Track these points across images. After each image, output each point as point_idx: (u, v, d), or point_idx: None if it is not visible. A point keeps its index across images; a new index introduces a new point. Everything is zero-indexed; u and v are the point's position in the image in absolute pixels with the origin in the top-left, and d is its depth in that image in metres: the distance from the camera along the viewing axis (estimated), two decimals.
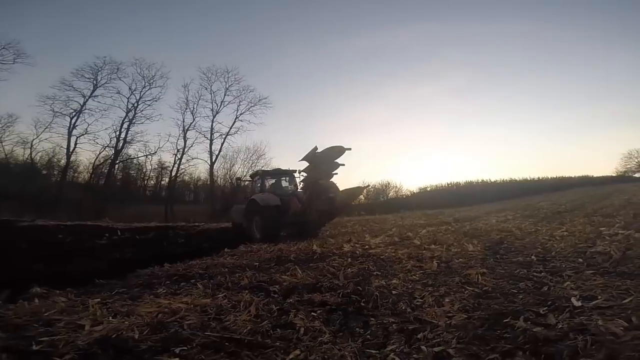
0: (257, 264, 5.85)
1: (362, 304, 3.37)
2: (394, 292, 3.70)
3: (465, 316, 2.86)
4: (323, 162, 8.50)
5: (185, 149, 30.88)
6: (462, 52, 59.19)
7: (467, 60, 60.71)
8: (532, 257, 5.21)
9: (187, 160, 31.49)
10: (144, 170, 34.44)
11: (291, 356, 2.22)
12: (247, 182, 12.37)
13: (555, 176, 38.64)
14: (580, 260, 4.59)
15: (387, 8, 57.33)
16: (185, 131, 31.06)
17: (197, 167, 36.87)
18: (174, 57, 52.07)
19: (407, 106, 62.30)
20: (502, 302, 3.19)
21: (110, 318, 2.92)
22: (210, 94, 32.84)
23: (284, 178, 11.28)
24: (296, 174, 10.82)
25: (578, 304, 2.83)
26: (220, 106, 32.81)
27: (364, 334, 2.61)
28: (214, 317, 3.06)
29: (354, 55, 60.61)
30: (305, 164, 8.94)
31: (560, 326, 2.41)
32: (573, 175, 39.20)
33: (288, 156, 58.17)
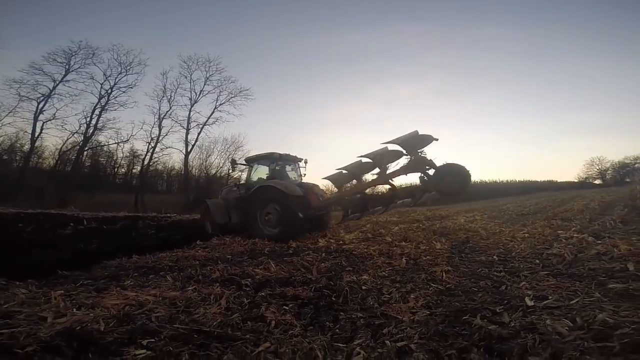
0: (229, 257, 5.84)
1: (333, 299, 3.47)
2: (363, 287, 3.83)
3: (428, 312, 3.02)
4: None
5: (160, 138, 29.97)
6: (445, 55, 60.57)
7: (449, 63, 62.15)
8: (494, 257, 5.52)
9: (161, 149, 30.53)
10: (115, 158, 33.02)
11: (261, 348, 2.27)
12: (243, 168, 10.18)
13: (522, 179, 40.67)
14: (537, 261, 4.90)
15: (375, 7, 57.68)
16: (160, 119, 30.10)
17: (172, 156, 35.99)
18: (155, 45, 50.02)
19: (390, 105, 63.17)
20: (463, 300, 3.38)
21: (74, 310, 2.85)
22: (190, 82, 31.93)
23: (291, 166, 9.72)
24: (302, 164, 9.74)
25: (531, 303, 3.04)
26: (199, 95, 31.98)
27: (334, 328, 2.71)
28: (183, 309, 3.06)
29: (339, 52, 60.69)
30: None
31: (512, 325, 2.59)
32: (539, 180, 41.38)
33: (267, 148, 57.47)
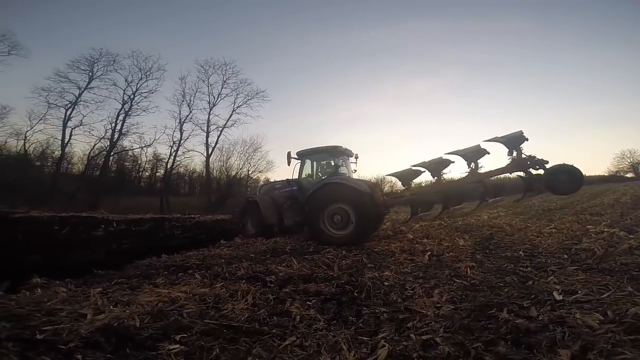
0: (253, 255, 5.98)
1: (355, 294, 3.51)
2: (385, 283, 3.85)
3: (453, 307, 3.01)
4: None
5: (181, 141, 30.92)
6: (456, 49, 59.24)
7: (461, 58, 60.74)
8: (520, 252, 5.39)
9: (183, 152, 31.54)
10: (139, 162, 34.29)
11: (287, 342, 2.34)
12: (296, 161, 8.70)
13: None
14: (565, 256, 4.76)
15: (385, 5, 57.14)
16: (181, 123, 31.08)
17: (193, 159, 36.87)
18: (172, 50, 51.79)
19: (403, 102, 62.53)
20: (488, 295, 3.34)
21: (112, 307, 3.02)
22: (207, 86, 32.83)
23: (347, 161, 8.78)
24: (352, 159, 8.89)
25: (559, 297, 2.98)
26: (217, 99, 32.77)
27: (357, 322, 2.75)
28: (212, 305, 3.19)
29: (351, 51, 60.64)
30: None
31: (540, 318, 2.56)
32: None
33: (284, 149, 58.00)
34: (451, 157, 6.90)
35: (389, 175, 7.93)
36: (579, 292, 3.09)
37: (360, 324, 2.70)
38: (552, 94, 61.15)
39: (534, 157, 6.34)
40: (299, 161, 8.63)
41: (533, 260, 4.82)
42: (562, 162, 6.06)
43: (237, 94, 33.05)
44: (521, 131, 6.28)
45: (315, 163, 8.64)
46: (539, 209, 12.37)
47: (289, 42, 57.79)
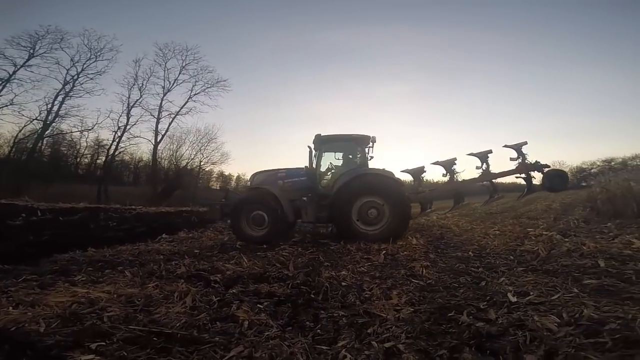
0: (197, 251, 5.50)
1: (312, 296, 3.26)
2: (343, 283, 3.65)
3: (412, 310, 2.87)
4: None
5: (128, 127, 28.28)
6: (425, 56, 61.66)
7: (428, 64, 63.34)
8: (470, 252, 5.54)
9: (128, 138, 28.85)
10: (78, 148, 30.85)
11: (232, 353, 2.00)
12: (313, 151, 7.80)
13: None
14: (512, 257, 4.94)
15: (359, 7, 57.64)
16: (129, 107, 28.41)
17: (140, 146, 34.18)
18: (134, 33, 47.22)
19: (369, 103, 63.63)
20: (445, 296, 3.28)
21: (11, 308, 2.46)
22: (164, 70, 30.13)
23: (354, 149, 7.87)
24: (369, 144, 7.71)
25: (514, 299, 2.97)
26: (173, 84, 30.26)
27: (315, 328, 2.48)
28: (141, 308, 2.76)
29: (321, 49, 60.11)
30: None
31: (500, 321, 2.49)
32: (505, 182, 43.58)
33: (242, 141, 56.46)
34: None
35: (403, 171, 7.66)
36: (531, 293, 3.11)
37: (318, 330, 2.43)
38: (511, 106, 65.74)
39: (539, 162, 7.27)
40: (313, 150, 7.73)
41: (482, 260, 4.94)
42: (554, 167, 7.50)
43: (196, 81, 30.81)
44: (526, 141, 7.38)
45: (337, 152, 7.87)
46: (482, 212, 13.18)
47: (258, 35, 55.88)
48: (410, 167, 7.64)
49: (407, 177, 7.84)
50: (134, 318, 2.48)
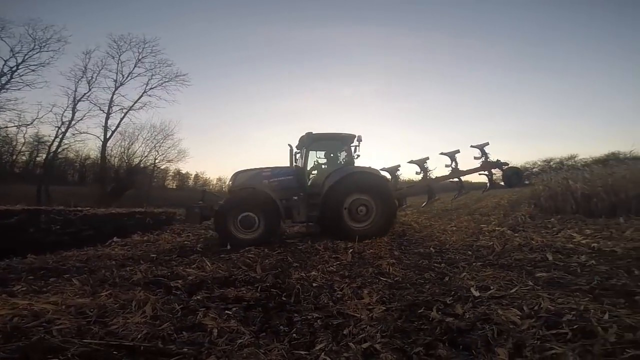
0: (154, 255, 5.15)
1: (284, 299, 3.17)
2: (314, 284, 3.60)
3: (384, 308, 2.90)
4: None
5: (73, 122, 25.86)
6: (386, 58, 63.37)
7: (390, 65, 65.23)
8: (431, 248, 5.77)
9: (73, 134, 26.42)
10: (14, 144, 27.64)
11: None
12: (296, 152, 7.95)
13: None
14: (470, 252, 5.21)
15: (325, 6, 57.79)
16: (75, 102, 26.00)
17: (87, 143, 31.53)
18: (87, 25, 43.22)
19: (332, 102, 64.19)
20: (413, 293, 3.35)
21: None
22: (118, 63, 27.94)
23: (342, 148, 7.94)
24: (355, 142, 7.74)
25: (477, 294, 3.11)
26: (127, 78, 28.17)
27: (290, 333, 2.39)
28: (95, 320, 2.48)
29: (287, 48, 59.70)
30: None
31: (467, 316, 2.59)
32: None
33: (201, 139, 54.29)
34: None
35: (380, 169, 7.89)
36: (492, 287, 3.28)
37: (294, 335, 2.35)
38: (467, 109, 69.39)
39: (499, 160, 8.01)
40: (295, 148, 7.82)
41: (443, 256, 5.16)
42: (510, 166, 8.18)
43: (153, 75, 28.97)
44: (488, 142, 8.04)
45: (325, 151, 7.94)
46: (438, 209, 13.84)
47: (222, 32, 54.23)
48: (386, 166, 8.08)
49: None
50: (87, 331, 2.22)
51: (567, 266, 3.95)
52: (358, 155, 7.63)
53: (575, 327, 2.17)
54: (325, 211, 6.73)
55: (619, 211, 7.56)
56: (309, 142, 7.49)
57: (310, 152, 7.61)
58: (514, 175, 7.90)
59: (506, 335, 2.16)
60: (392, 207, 7.01)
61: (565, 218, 7.75)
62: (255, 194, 6.75)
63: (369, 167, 7.36)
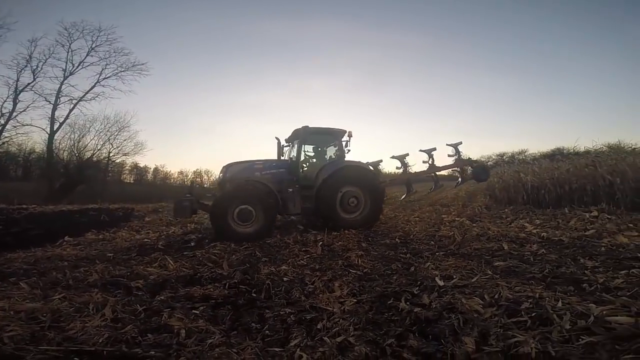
0: (111, 254, 4.83)
1: (254, 295, 3.10)
2: (285, 279, 3.56)
3: (355, 300, 2.92)
4: None
5: (15, 114, 23.45)
6: (356, 54, 63.63)
7: (359, 61, 65.68)
8: (396, 239, 5.94)
9: (15, 127, 23.98)
10: None
11: None
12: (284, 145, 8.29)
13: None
14: (432, 242, 5.44)
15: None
16: (17, 92, 23.54)
17: (31, 136, 28.78)
18: (38, 11, 38.65)
19: (301, 96, 63.54)
20: (382, 284, 3.42)
21: None
22: (68, 52, 25.57)
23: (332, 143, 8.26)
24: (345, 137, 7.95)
25: (441, 283, 3.24)
26: (78, 67, 25.83)
27: (262, 330, 2.34)
28: (49, 325, 2.29)
29: (254, 38, 57.98)
30: None
31: (434, 305, 2.68)
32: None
33: (160, 131, 51.51)
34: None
35: (369, 163, 8.23)
36: (454, 276, 3.43)
37: (267, 331, 2.30)
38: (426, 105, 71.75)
39: (470, 158, 8.70)
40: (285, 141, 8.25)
41: (408, 246, 5.34)
42: (479, 162, 9.12)
43: (107, 64, 26.84)
44: (461, 141, 8.59)
45: (315, 146, 8.16)
46: (402, 200, 14.28)
47: (188, 21, 51.17)
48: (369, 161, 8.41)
49: None
50: (43, 337, 2.04)
51: (522, 255, 4.23)
52: (349, 150, 7.92)
53: (533, 314, 2.31)
54: (320, 203, 7.01)
55: (563, 202, 8.27)
56: (305, 135, 7.61)
57: (304, 145, 7.81)
58: (482, 171, 8.57)
59: (471, 324, 2.26)
60: (380, 199, 7.49)
61: (518, 209, 8.35)
62: (254, 186, 6.73)
63: (359, 162, 7.77)
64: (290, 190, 7.00)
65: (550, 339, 1.97)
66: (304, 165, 7.88)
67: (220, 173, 7.43)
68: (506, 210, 8.27)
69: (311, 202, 7.11)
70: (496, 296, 2.75)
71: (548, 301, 2.49)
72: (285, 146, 8.28)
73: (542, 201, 8.75)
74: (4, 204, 11.09)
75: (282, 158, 8.06)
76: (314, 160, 8.12)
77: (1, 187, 21.75)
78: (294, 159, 7.62)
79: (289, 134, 8.20)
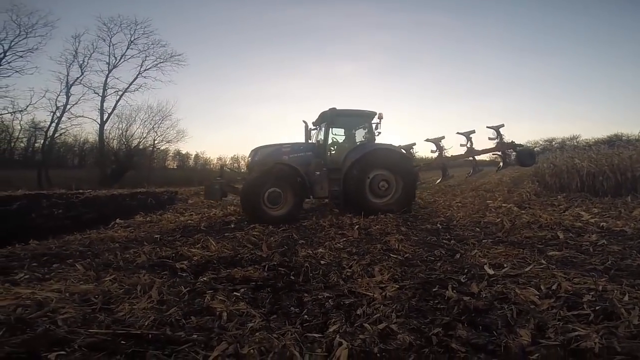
0: (158, 236, 5.05)
1: (292, 278, 3.08)
2: (322, 262, 3.52)
3: (397, 286, 2.80)
4: None
5: (68, 107, 25.39)
6: (383, 36, 61.51)
7: (387, 44, 63.47)
8: (438, 225, 5.69)
9: (69, 118, 26.05)
10: (11, 131, 27.30)
11: (216, 353, 1.75)
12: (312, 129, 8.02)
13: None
14: (478, 229, 5.13)
15: None
16: (69, 86, 25.39)
17: (84, 127, 31.13)
18: (73, 8, 41.43)
19: (329, 83, 63.01)
20: (425, 270, 3.27)
21: None
22: (109, 46, 27.16)
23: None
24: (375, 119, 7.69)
25: (491, 272, 3.03)
26: (120, 60, 27.42)
27: (301, 314, 2.30)
28: (100, 307, 2.36)
29: (283, 27, 57.83)
30: None
31: (484, 295, 2.51)
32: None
33: (198, 119, 53.63)
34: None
35: (401, 146, 8.00)
36: (505, 265, 3.20)
37: (305, 316, 2.26)
38: (461, 86, 68.35)
39: (514, 141, 8.28)
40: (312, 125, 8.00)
41: (451, 232, 5.08)
42: (524, 146, 8.50)
43: (147, 56, 28.15)
44: (503, 124, 8.26)
45: (345, 128, 7.95)
46: (441, 184, 13.73)
47: (217, 12, 52.09)
48: (402, 144, 8.12)
49: None
50: (93, 319, 2.12)
51: (579, 245, 3.87)
52: (379, 133, 7.65)
53: (596, 308, 2.10)
54: (347, 186, 6.86)
55: (624, 190, 7.47)
56: (332, 117, 7.45)
57: (332, 128, 7.63)
58: (528, 155, 8.15)
59: (527, 316, 2.09)
60: (413, 183, 7.24)
61: (571, 196, 7.67)
62: (284, 169, 6.65)
63: (390, 144, 7.47)
64: (318, 173, 6.93)
65: (615, 334, 1.80)
66: (332, 148, 7.70)
67: (249, 156, 7.45)
68: (558, 197, 7.62)
69: (339, 185, 7.01)
70: (554, 287, 2.53)
71: (613, 294, 2.25)
72: (313, 129, 8.04)
73: (600, 189, 7.96)
74: (64, 189, 12.10)
75: (309, 141, 7.83)
76: (343, 142, 7.89)
77: (60, 174, 23.89)
78: (321, 142, 7.45)
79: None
